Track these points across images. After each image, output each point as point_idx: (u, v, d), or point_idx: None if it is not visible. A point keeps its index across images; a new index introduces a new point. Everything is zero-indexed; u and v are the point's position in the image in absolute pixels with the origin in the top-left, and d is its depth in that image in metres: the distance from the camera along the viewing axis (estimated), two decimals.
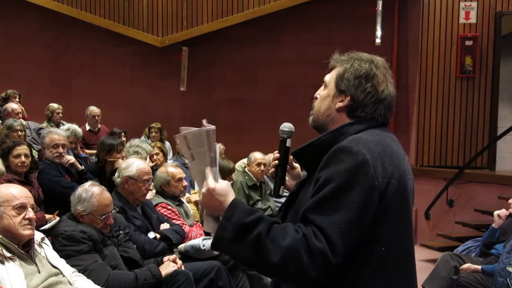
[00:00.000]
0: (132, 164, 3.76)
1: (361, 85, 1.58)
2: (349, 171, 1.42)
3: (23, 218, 2.55)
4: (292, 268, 1.38)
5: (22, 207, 2.56)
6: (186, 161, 6.42)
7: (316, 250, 1.37)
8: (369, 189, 1.42)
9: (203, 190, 1.54)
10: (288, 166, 1.76)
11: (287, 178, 1.78)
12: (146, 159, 5.07)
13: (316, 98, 1.68)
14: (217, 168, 1.58)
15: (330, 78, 1.66)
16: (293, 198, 1.65)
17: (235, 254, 1.49)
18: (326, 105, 1.63)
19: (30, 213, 2.58)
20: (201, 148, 1.58)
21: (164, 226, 3.80)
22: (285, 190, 1.76)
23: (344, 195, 1.41)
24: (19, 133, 5.38)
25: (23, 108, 6.77)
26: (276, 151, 1.75)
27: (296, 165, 1.83)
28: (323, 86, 1.68)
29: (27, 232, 2.55)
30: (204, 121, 1.58)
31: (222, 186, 1.53)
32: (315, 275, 1.38)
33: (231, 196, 1.52)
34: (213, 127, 1.56)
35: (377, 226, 1.46)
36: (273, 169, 1.72)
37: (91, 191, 3.09)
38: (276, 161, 1.72)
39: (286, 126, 1.73)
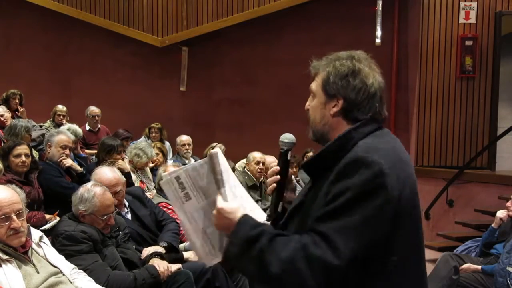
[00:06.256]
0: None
1: (349, 84, 1.53)
2: (366, 183, 1.39)
3: (8, 228, 2.44)
4: (291, 280, 1.37)
5: (5, 218, 2.44)
6: (186, 162, 6.42)
7: (314, 258, 1.35)
8: (385, 200, 1.40)
9: (214, 211, 1.53)
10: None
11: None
12: (147, 164, 5.04)
13: (308, 109, 1.64)
14: (226, 187, 1.53)
15: (316, 86, 1.60)
16: (300, 206, 1.61)
17: (243, 269, 1.49)
18: (320, 114, 1.58)
19: (15, 223, 2.44)
20: (202, 181, 1.54)
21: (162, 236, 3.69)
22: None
23: (359, 205, 1.38)
24: (30, 137, 5.43)
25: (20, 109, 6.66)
26: (275, 163, 1.66)
27: (292, 177, 1.78)
28: (311, 96, 1.63)
29: (14, 241, 2.47)
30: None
31: (230, 204, 1.52)
32: (314, 284, 1.35)
33: (239, 213, 1.50)
34: (215, 150, 1.53)
35: (390, 237, 1.44)
36: (273, 184, 1.66)
37: (93, 191, 3.08)
38: (277, 176, 1.65)
39: (287, 137, 1.64)
